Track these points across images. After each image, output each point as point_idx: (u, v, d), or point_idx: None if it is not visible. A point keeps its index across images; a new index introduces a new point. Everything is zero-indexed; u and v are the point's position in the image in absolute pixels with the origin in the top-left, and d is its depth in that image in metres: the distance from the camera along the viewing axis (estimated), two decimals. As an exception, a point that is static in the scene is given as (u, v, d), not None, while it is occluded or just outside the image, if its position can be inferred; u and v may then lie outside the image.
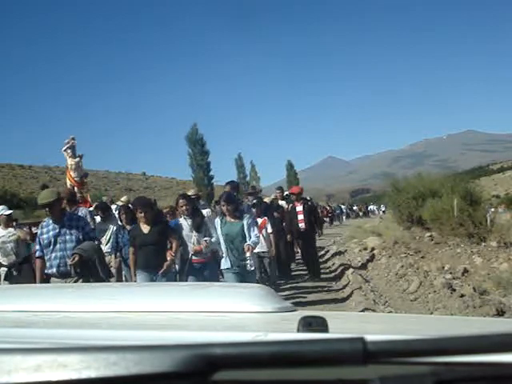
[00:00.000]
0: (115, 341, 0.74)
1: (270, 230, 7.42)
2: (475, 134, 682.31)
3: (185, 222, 5.60)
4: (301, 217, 8.57)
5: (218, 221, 5.49)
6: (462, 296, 5.72)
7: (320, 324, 0.79)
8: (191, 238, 5.53)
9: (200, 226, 5.60)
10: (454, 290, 6.16)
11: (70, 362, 0.49)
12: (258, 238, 5.61)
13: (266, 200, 9.15)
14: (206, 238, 5.47)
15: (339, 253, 12.64)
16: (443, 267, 7.90)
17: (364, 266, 9.89)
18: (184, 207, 5.63)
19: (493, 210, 14.02)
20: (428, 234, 11.67)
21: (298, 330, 0.79)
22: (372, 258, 10.47)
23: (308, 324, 0.80)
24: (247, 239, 5.27)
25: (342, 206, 44.46)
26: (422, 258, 9.32)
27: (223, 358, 0.49)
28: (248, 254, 5.21)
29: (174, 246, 5.27)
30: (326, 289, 7.83)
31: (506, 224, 11.15)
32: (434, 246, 10.43)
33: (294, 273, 9.65)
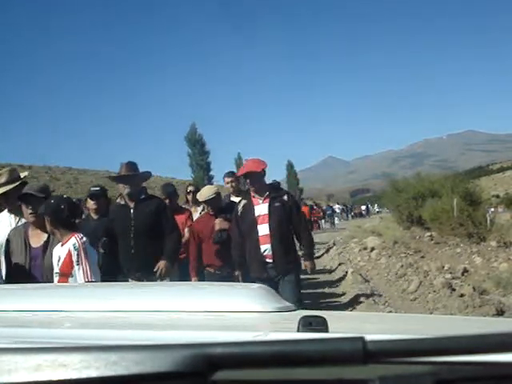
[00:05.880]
0: (115, 341, 0.74)
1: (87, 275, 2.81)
2: (475, 134, 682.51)
3: None
4: (264, 229, 3.89)
5: None
6: (462, 296, 5.72)
7: (320, 324, 0.79)
8: None
9: None
10: (454, 290, 6.16)
11: (70, 362, 0.49)
12: None
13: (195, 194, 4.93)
14: None
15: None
16: (443, 267, 7.90)
17: (364, 266, 9.88)
18: None
19: (493, 209, 14.05)
20: (428, 233, 11.69)
21: (298, 330, 0.79)
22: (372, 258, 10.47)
23: (308, 324, 0.80)
24: None
25: (336, 206, 38.71)
26: (421, 257, 9.33)
27: (223, 357, 0.49)
28: None
29: None
30: (325, 288, 7.83)
31: (505, 224, 11.18)
32: (433, 245, 10.45)
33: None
